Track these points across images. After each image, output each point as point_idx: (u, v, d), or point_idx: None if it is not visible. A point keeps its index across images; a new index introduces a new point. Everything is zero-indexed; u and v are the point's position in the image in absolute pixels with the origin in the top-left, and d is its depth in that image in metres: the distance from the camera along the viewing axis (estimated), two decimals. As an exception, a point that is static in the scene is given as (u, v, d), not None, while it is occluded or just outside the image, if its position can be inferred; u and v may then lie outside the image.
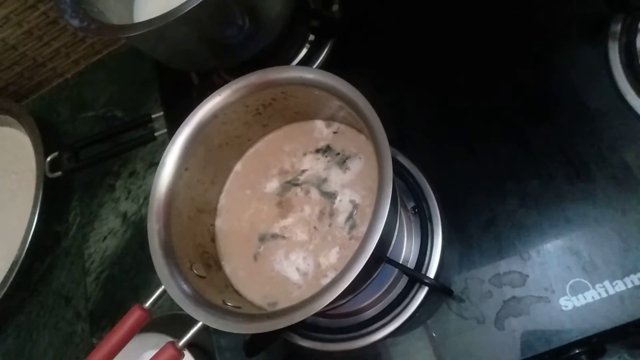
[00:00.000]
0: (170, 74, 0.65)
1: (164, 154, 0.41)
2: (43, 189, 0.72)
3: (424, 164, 0.49)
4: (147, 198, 0.74)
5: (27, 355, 0.74)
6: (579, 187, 0.43)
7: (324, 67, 0.58)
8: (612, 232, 0.41)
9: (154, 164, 0.76)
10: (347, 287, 0.33)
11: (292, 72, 0.39)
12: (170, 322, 0.62)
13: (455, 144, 0.49)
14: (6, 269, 0.71)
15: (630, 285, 0.40)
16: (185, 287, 0.37)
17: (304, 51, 0.60)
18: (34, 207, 0.72)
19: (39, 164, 0.74)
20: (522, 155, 0.46)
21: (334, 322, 0.49)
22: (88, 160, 0.71)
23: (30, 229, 0.71)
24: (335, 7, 0.59)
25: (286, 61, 0.59)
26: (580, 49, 0.49)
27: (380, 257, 0.41)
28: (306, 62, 0.59)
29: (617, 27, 0.47)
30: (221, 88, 0.40)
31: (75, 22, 0.45)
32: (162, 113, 0.66)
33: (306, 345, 0.48)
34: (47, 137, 0.76)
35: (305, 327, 0.49)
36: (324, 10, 0.59)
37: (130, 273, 0.72)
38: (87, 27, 0.45)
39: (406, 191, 0.49)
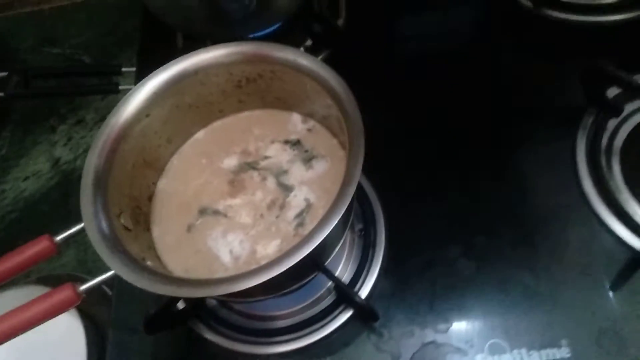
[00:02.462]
0: (155, 30, 0.63)
1: (130, 91, 0.38)
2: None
3: (382, 191, 0.49)
4: (87, 151, 0.69)
5: None
6: (521, 254, 0.44)
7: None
8: (542, 304, 0.42)
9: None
10: (274, 279, 0.31)
11: (289, 52, 0.38)
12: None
13: (417, 182, 0.50)
14: None
15: (544, 359, 0.40)
16: (106, 230, 0.34)
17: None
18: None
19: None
20: (477, 208, 0.47)
21: (247, 322, 0.46)
22: (37, 90, 0.66)
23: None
24: (341, 21, 0.60)
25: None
26: (552, 136, 0.51)
27: (317, 263, 0.39)
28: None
29: (589, 121, 0.49)
30: (211, 46, 0.39)
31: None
32: (134, 69, 0.63)
33: (212, 338, 0.45)
34: (1, 57, 0.71)
35: (215, 320, 0.46)
36: (330, 17, 0.59)
37: (43, 222, 0.66)
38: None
39: (358, 213, 0.48)
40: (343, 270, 0.45)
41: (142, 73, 0.60)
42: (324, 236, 0.32)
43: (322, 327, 0.43)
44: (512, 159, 0.50)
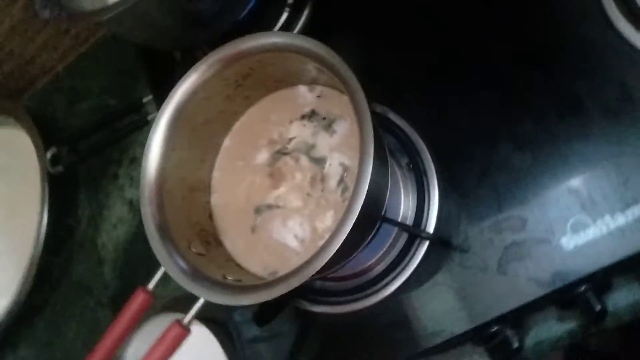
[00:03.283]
0: (154, 56, 0.64)
1: (149, 137, 0.41)
2: (48, 185, 0.73)
3: (415, 119, 0.48)
4: (150, 183, 0.75)
5: (57, 346, 0.77)
6: (573, 124, 0.42)
7: (304, 31, 0.57)
8: (609, 165, 0.40)
9: (152, 148, 0.77)
10: (340, 248, 0.33)
11: (263, 38, 0.38)
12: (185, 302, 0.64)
13: (445, 97, 0.48)
14: (25, 266, 0.73)
15: (631, 218, 0.39)
16: (184, 265, 0.38)
17: (284, 15, 0.58)
18: (42, 203, 0.73)
19: (41, 161, 0.75)
20: (512, 99, 0.45)
21: (341, 284, 0.49)
22: (87, 151, 0.72)
23: (42, 226, 0.73)
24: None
25: (267, 27, 0.58)
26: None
27: (374, 216, 0.41)
28: (287, 26, 0.57)
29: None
30: (196, 64, 0.40)
31: (45, 14, 0.45)
32: (151, 96, 0.66)
33: (317, 310, 0.48)
34: (45, 133, 0.77)
35: (315, 292, 0.50)
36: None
37: (144, 257, 0.73)
38: (58, 17, 0.44)
39: (399, 148, 0.48)
40: (406, 209, 0.46)
41: (158, 97, 0.64)
42: (364, 194, 0.33)
43: (406, 265, 0.45)
44: (530, 30, 0.46)
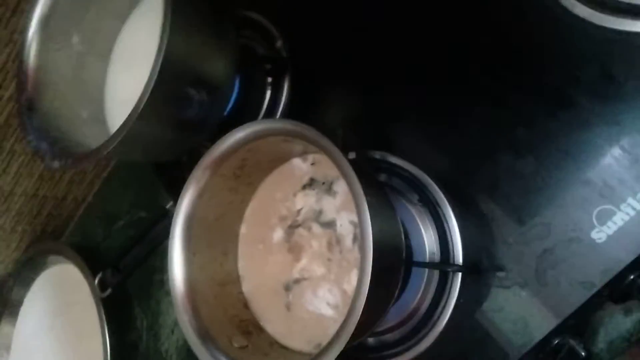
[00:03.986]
0: (164, 163, 0.69)
1: (169, 251, 0.43)
2: (103, 309, 0.77)
3: (414, 155, 0.48)
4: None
5: None
6: (564, 118, 0.42)
7: (290, 102, 0.59)
8: (614, 147, 0.39)
9: (187, 247, 0.80)
10: (368, 305, 0.33)
11: (244, 131, 0.40)
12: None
13: (435, 125, 0.49)
14: (98, 391, 0.75)
15: (655, 194, 0.37)
16: (229, 364, 0.39)
17: (268, 93, 0.61)
18: (102, 328, 0.77)
19: (92, 288, 0.79)
20: (498, 109, 0.45)
21: (394, 334, 0.48)
22: (129, 267, 0.76)
23: (107, 349, 0.76)
24: (279, 43, 0.60)
25: (255, 110, 0.61)
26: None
27: (394, 262, 0.41)
28: (273, 102, 0.60)
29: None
30: (192, 173, 0.42)
31: (55, 165, 0.49)
32: (172, 202, 0.69)
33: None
34: (90, 261, 0.81)
35: (372, 351, 0.49)
36: (270, 50, 0.61)
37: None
38: (66, 164, 0.48)
39: (406, 187, 0.48)
40: (430, 245, 0.46)
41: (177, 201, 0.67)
42: (371, 244, 0.33)
43: (447, 301, 0.44)
44: (493, 41, 0.47)
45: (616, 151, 0.39)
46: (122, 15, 0.60)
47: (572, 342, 0.40)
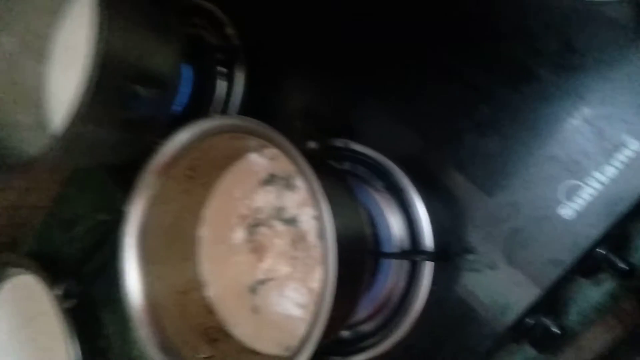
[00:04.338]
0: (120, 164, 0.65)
1: (121, 263, 0.40)
2: (69, 319, 0.73)
3: (377, 141, 0.47)
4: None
5: None
6: (527, 92, 0.40)
7: (247, 93, 0.56)
8: (578, 121, 0.38)
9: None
10: (337, 301, 0.31)
11: (191, 131, 0.37)
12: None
13: (396, 109, 0.47)
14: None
15: (619, 165, 0.37)
16: (195, 377, 0.37)
17: (223, 85, 0.58)
18: (68, 338, 0.73)
19: (56, 299, 0.75)
20: (459, 88, 0.43)
21: (370, 324, 0.47)
22: (93, 273, 0.73)
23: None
24: (229, 30, 0.57)
25: (212, 100, 0.58)
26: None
27: (359, 256, 0.39)
28: (228, 94, 0.57)
29: None
30: (139, 180, 0.39)
31: (-8, 177, 0.45)
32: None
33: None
34: (52, 270, 0.77)
35: (348, 344, 0.47)
36: (220, 39, 0.57)
37: None
38: (4, 177, 0.44)
39: (371, 174, 0.47)
40: (399, 233, 0.44)
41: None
42: (334, 236, 0.31)
43: (419, 286, 0.43)
44: (453, 17, 0.45)
45: (580, 124, 0.38)
46: (54, 10, 0.56)
47: (546, 320, 0.39)
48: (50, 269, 0.78)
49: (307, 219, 0.40)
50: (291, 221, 0.41)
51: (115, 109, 0.46)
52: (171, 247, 0.43)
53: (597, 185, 0.37)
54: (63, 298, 0.72)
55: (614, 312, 0.44)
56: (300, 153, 0.32)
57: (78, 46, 0.56)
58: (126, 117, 0.48)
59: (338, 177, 0.40)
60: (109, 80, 0.43)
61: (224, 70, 0.58)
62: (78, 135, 0.43)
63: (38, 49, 0.57)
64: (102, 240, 0.74)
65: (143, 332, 0.38)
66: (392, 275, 0.44)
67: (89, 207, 0.85)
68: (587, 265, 0.39)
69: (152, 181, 0.40)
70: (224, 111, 0.58)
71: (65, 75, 0.56)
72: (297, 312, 0.40)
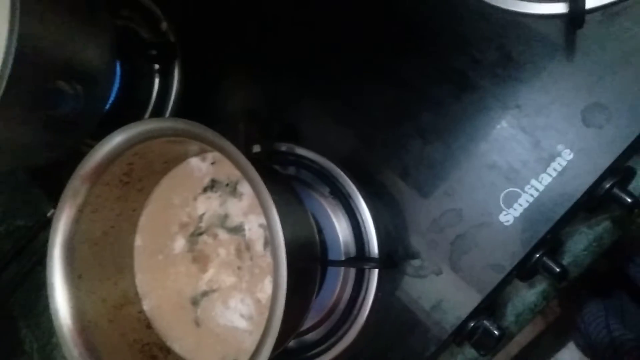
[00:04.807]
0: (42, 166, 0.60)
1: (47, 279, 0.37)
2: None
3: (322, 146, 0.46)
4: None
5: None
6: (467, 100, 0.41)
7: (183, 92, 0.54)
8: (516, 130, 0.40)
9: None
10: (287, 313, 0.30)
11: (125, 134, 0.35)
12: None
13: (341, 114, 0.47)
14: None
15: (554, 174, 0.38)
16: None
17: (156, 82, 0.55)
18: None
19: (-36, 313, 0.68)
20: (402, 94, 0.44)
21: (314, 334, 0.46)
22: (10, 284, 0.67)
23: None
24: (164, 26, 0.54)
25: (144, 98, 0.54)
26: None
27: (309, 264, 0.38)
28: (163, 92, 0.54)
29: None
30: (66, 187, 0.36)
31: None
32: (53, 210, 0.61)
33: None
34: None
35: (292, 353, 0.47)
36: (155, 34, 0.54)
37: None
38: None
39: (316, 180, 0.46)
40: (345, 239, 0.44)
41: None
42: (283, 245, 0.30)
43: (366, 294, 0.43)
44: (395, 23, 0.45)
45: (518, 134, 0.40)
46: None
47: (487, 323, 0.41)
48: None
49: (253, 227, 0.39)
50: (236, 230, 0.39)
51: (35, 106, 0.42)
52: (103, 258, 0.40)
53: (534, 192, 0.39)
54: (-26, 311, 0.65)
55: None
56: (246, 158, 0.31)
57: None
58: (53, 116, 0.44)
59: (285, 183, 0.38)
60: (29, 76, 0.39)
61: (156, 67, 0.55)
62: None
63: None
64: (20, 248, 0.68)
65: (74, 353, 0.35)
66: (338, 283, 0.44)
67: (2, 211, 0.77)
68: (524, 269, 0.40)
69: (81, 187, 0.36)
70: (158, 111, 0.55)
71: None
72: (242, 324, 0.38)
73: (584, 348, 0.92)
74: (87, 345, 0.36)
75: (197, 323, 0.40)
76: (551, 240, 0.40)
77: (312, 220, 0.38)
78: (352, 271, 0.44)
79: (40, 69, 0.39)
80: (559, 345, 1.05)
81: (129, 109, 0.54)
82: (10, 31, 0.35)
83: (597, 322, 0.78)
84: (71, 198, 0.36)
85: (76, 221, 0.37)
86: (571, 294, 0.88)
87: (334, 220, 0.45)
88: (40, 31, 0.38)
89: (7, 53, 0.35)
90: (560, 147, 0.38)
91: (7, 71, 0.35)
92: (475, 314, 0.40)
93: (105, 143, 0.35)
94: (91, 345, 0.36)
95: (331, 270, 0.44)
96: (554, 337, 1.06)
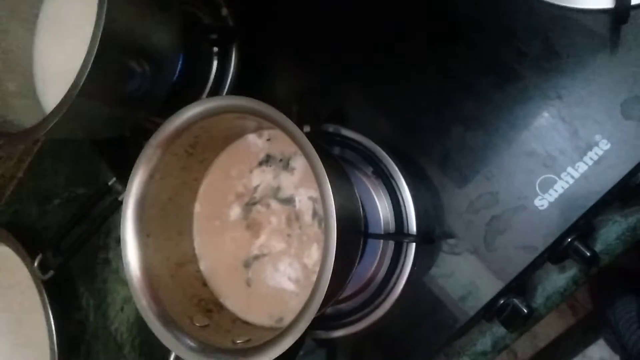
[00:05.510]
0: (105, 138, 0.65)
1: (121, 234, 0.41)
2: (45, 291, 0.73)
3: (367, 128, 0.49)
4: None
5: None
6: (511, 91, 0.43)
7: (239, 74, 0.57)
8: (556, 120, 0.42)
9: (133, 223, 0.77)
10: (333, 278, 0.33)
11: (196, 108, 0.39)
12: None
13: (388, 98, 0.50)
14: (47, 372, 0.73)
15: (590, 163, 0.40)
16: (192, 343, 0.38)
17: (215, 64, 0.59)
18: (45, 309, 0.73)
19: (31, 269, 0.75)
20: (447, 83, 0.46)
21: (350, 303, 0.50)
22: (71, 247, 0.72)
23: (52, 332, 0.73)
24: (224, 11, 0.58)
25: (202, 82, 0.58)
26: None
27: (355, 235, 0.41)
28: (221, 74, 0.58)
29: None
30: (141, 153, 0.40)
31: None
32: (115, 178, 0.66)
33: (336, 335, 0.49)
34: (27, 242, 0.77)
35: (328, 319, 0.50)
36: (215, 19, 0.58)
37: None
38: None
39: (361, 159, 0.49)
40: (385, 216, 0.47)
41: (121, 178, 0.65)
42: (335, 217, 0.33)
43: (402, 268, 0.46)
44: (443, 14, 0.48)
45: (557, 123, 0.42)
46: (46, -23, 0.55)
47: (516, 300, 0.43)
48: (24, 240, 0.77)
49: (303, 199, 0.42)
50: (287, 201, 0.43)
51: (113, 84, 0.46)
52: (168, 221, 0.44)
53: (570, 180, 0.41)
54: (40, 270, 0.72)
55: (567, 301, 0.49)
56: (303, 134, 0.34)
57: (69, 16, 0.56)
58: (123, 93, 0.48)
59: (334, 159, 0.42)
60: (110, 54, 0.43)
61: (215, 50, 0.59)
62: (76, 109, 0.43)
63: (28, 15, 0.56)
64: (81, 214, 0.74)
65: (143, 302, 0.40)
66: (376, 256, 0.47)
67: (65, 179, 0.84)
68: (556, 252, 0.42)
69: (153, 155, 0.41)
70: (215, 91, 0.59)
71: (57, 45, 0.55)
72: (289, 286, 0.42)
73: (613, 344, 0.93)
74: (153, 296, 0.41)
75: (248, 283, 0.44)
76: (584, 226, 0.42)
77: (357, 195, 0.42)
78: (390, 246, 0.47)
79: (121, 50, 0.43)
80: (588, 341, 1.05)
81: (188, 89, 0.58)
82: (99, 16, 0.40)
83: (627, 318, 0.79)
84: (145, 163, 0.41)
85: (147, 185, 0.42)
86: (603, 290, 0.89)
87: (375, 197, 0.48)
88: (122, 16, 0.42)
89: (96, 35, 0.40)
90: (597, 137, 0.40)
91: (94, 51, 0.40)
92: (505, 292, 0.43)
93: (178, 116, 0.39)
94: (156, 296, 0.41)
95: (371, 244, 0.47)
96: (583, 332, 1.06)
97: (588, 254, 0.41)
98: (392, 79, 0.49)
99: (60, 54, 0.54)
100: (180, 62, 0.55)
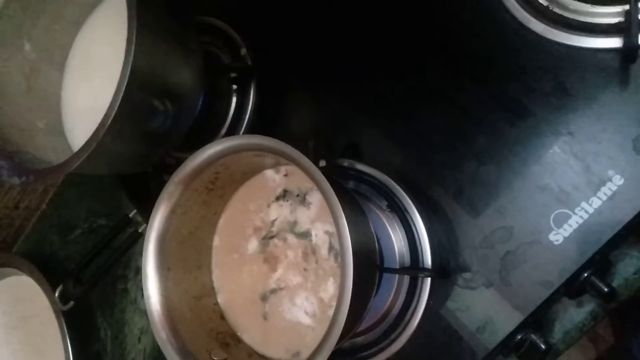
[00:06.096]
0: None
1: (142, 265, 0.42)
2: (65, 321, 0.75)
3: (381, 162, 0.50)
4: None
5: None
6: (522, 127, 0.44)
7: (257, 110, 0.59)
8: (568, 155, 0.42)
9: (152, 254, 0.78)
10: (350, 312, 0.34)
11: (218, 147, 0.40)
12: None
13: (402, 133, 0.51)
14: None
15: (604, 198, 0.41)
16: (210, 378, 0.39)
17: (234, 101, 0.61)
18: (64, 340, 0.74)
19: (51, 299, 0.76)
20: (460, 118, 0.47)
21: (367, 337, 0.50)
22: (92, 277, 0.74)
23: (70, 362, 0.74)
24: (243, 51, 0.60)
25: (221, 118, 0.60)
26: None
27: (371, 270, 0.42)
28: (239, 111, 0.60)
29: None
30: (163, 189, 0.42)
31: (15, 180, 0.47)
32: (135, 210, 0.68)
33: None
34: (48, 272, 0.78)
35: (345, 354, 0.50)
36: (234, 58, 0.60)
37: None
38: (28, 181, 0.46)
39: (375, 194, 0.50)
40: (400, 250, 0.48)
41: (142, 211, 0.66)
42: (351, 251, 0.34)
43: (418, 302, 0.47)
44: (455, 52, 0.49)
45: (570, 158, 0.42)
46: (77, 21, 0.58)
47: (533, 336, 0.43)
48: (45, 270, 0.79)
49: (319, 233, 0.43)
50: (304, 235, 0.44)
51: (138, 122, 0.48)
52: (187, 254, 0.45)
53: (584, 215, 0.41)
54: (60, 300, 0.73)
55: (588, 335, 0.48)
56: (319, 170, 0.36)
57: (97, 56, 0.58)
58: (147, 131, 0.50)
59: (350, 194, 0.43)
60: (136, 94, 0.45)
61: (234, 87, 0.61)
62: (103, 146, 0.45)
63: (59, 57, 0.59)
64: (102, 245, 0.76)
65: (162, 335, 0.41)
66: (392, 290, 0.48)
67: (86, 210, 0.86)
68: (572, 287, 0.42)
69: (175, 191, 0.42)
70: (234, 127, 0.61)
71: (84, 84, 0.58)
72: (306, 320, 0.43)
73: (637, 379, 0.90)
74: (172, 329, 0.41)
75: (265, 317, 0.45)
76: (600, 261, 0.42)
77: (372, 229, 0.43)
78: (406, 280, 0.47)
79: (145, 89, 0.46)
80: (614, 376, 1.02)
81: (208, 124, 0.60)
82: (127, 56, 0.42)
83: (652, 352, 0.77)
84: (167, 199, 0.42)
85: (168, 220, 0.43)
86: (626, 322, 0.87)
87: (390, 231, 0.49)
88: (148, 57, 0.44)
89: (122, 75, 0.42)
90: (611, 172, 0.41)
91: (122, 91, 0.42)
92: (523, 327, 0.43)
93: (200, 153, 0.41)
94: (175, 330, 0.42)
95: (386, 278, 0.47)
96: (607, 368, 1.03)
97: (605, 289, 0.41)
98: (405, 114, 0.51)
99: (88, 93, 0.57)
100: (201, 100, 0.57)
